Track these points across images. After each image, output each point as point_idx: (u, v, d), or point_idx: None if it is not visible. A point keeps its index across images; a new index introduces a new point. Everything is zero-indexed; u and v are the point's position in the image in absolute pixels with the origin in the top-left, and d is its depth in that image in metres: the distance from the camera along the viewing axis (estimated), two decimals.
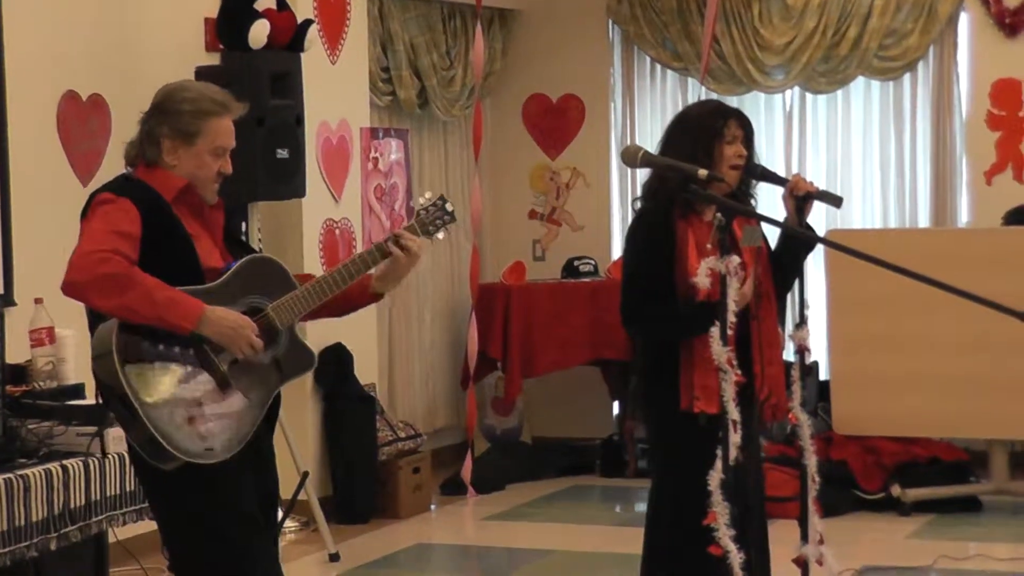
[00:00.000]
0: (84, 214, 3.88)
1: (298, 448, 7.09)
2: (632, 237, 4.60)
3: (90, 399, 4.89)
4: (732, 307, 4.16)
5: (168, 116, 3.92)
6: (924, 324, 7.44)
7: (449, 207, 4.15)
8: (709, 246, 4.27)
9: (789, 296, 4.73)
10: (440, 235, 4.15)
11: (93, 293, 3.69)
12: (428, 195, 4.17)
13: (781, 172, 4.86)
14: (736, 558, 4.14)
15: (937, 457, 7.95)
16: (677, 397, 4.41)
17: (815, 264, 8.18)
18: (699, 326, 4.25)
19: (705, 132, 4.51)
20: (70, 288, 3.72)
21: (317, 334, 7.62)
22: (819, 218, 8.45)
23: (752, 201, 4.65)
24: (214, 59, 7.17)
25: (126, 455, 4.66)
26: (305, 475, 7.00)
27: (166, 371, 3.75)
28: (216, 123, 3.94)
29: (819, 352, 8.17)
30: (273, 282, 3.96)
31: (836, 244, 4.61)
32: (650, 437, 4.80)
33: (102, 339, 3.74)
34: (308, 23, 7.15)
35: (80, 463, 4.55)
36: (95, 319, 3.82)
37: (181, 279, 3.79)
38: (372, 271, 4.10)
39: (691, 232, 4.44)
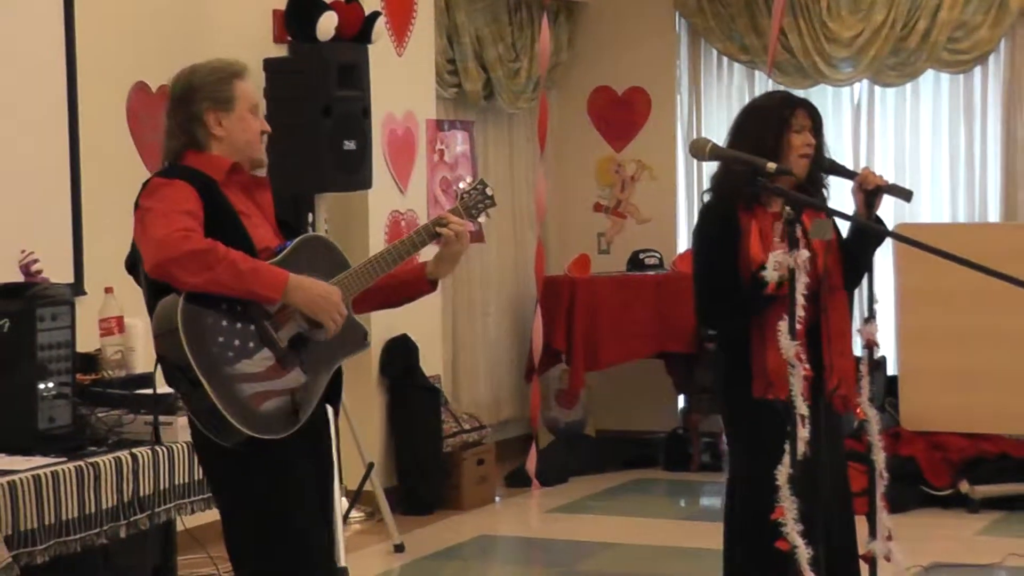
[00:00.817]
0: (137, 204, 3.92)
1: (363, 439, 7.11)
2: (698, 234, 4.62)
3: (160, 388, 4.93)
4: (800, 300, 4.15)
5: (201, 92, 3.98)
6: (993, 319, 7.37)
7: (489, 191, 4.17)
8: (777, 239, 4.25)
9: (857, 291, 4.70)
10: (482, 219, 4.20)
11: (183, 270, 3.73)
12: (469, 179, 4.22)
13: (849, 166, 4.82)
14: (804, 553, 4.13)
15: (1006, 453, 7.87)
16: (751, 387, 4.41)
17: (883, 258, 8.14)
18: (763, 301, 4.26)
19: (773, 121, 4.52)
20: (159, 268, 3.75)
21: (382, 326, 7.68)
22: (888, 212, 8.38)
23: (824, 192, 4.63)
24: (282, 51, 7.20)
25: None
26: (370, 466, 7.03)
27: (230, 347, 3.78)
28: (243, 83, 4.03)
29: (887, 347, 8.12)
30: (326, 261, 4.01)
31: (905, 238, 4.58)
32: (726, 429, 4.78)
33: (166, 316, 3.77)
34: (375, 15, 7.17)
35: (149, 451, 4.59)
36: (153, 298, 3.85)
37: None
38: (426, 261, 4.14)
39: (755, 222, 4.44)
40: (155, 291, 3.84)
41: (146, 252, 3.79)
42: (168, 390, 4.79)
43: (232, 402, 3.74)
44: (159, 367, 3.92)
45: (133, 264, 3.98)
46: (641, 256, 9.35)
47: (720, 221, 4.49)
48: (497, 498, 8.29)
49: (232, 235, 3.86)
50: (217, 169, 3.95)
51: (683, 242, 9.62)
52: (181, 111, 4.00)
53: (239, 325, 3.80)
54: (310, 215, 6.95)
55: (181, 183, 3.87)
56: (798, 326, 4.15)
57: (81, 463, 4.35)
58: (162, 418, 4.66)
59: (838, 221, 4.51)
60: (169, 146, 4.04)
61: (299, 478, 3.94)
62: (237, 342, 3.79)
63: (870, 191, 4.47)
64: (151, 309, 3.87)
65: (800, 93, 8.83)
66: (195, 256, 3.72)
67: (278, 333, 3.85)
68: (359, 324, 4.03)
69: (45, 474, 4.22)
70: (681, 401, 9.38)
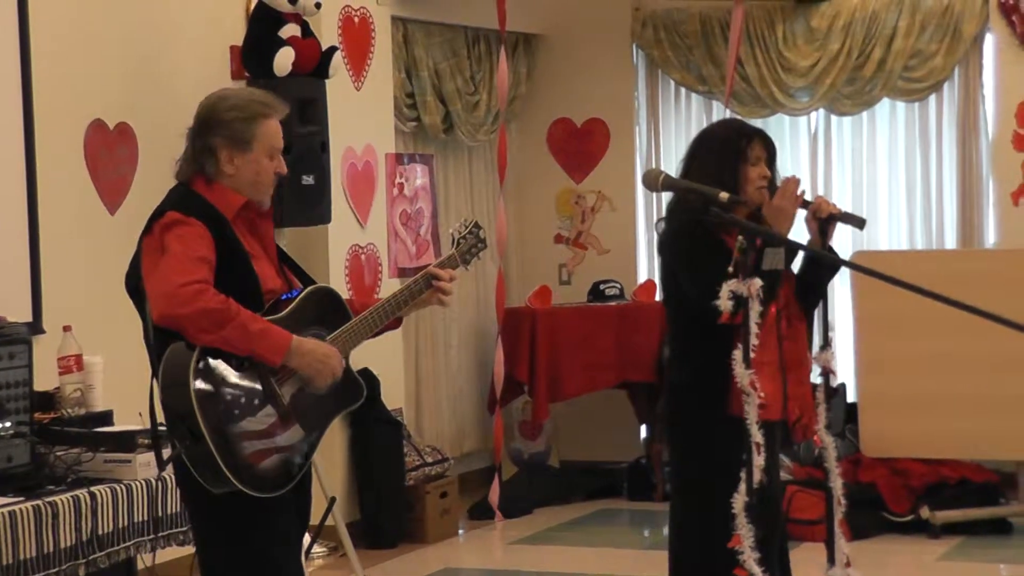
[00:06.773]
0: (149, 229, 3.86)
1: (325, 473, 7.09)
2: (674, 241, 4.55)
3: (118, 426, 4.92)
4: (755, 330, 4.17)
5: (219, 126, 3.90)
6: (952, 345, 7.42)
7: (482, 234, 4.21)
8: (731, 269, 4.26)
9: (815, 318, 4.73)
10: (474, 263, 4.23)
11: (192, 327, 3.70)
12: (461, 221, 4.24)
13: (807, 195, 4.84)
14: None
15: (966, 479, 7.91)
16: (722, 406, 4.40)
17: (841, 285, 8.18)
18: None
19: (729, 153, 4.52)
20: (168, 319, 3.72)
21: None
22: (846, 240, 8.45)
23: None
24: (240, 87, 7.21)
25: (153, 481, 4.68)
26: (332, 500, 6.98)
27: (237, 404, 3.77)
28: (266, 125, 3.94)
29: (847, 374, 8.16)
30: (330, 312, 4.00)
31: (860, 266, 4.61)
32: (685, 450, 4.73)
33: (178, 368, 3.73)
34: (333, 50, 7.19)
35: (108, 489, 4.57)
36: (157, 338, 3.81)
37: (243, 302, 3.80)
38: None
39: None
40: (159, 329, 3.79)
41: (156, 299, 3.75)
42: (127, 427, 4.80)
43: (233, 459, 3.73)
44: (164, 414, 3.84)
45: (136, 288, 3.91)
46: (602, 287, 9.37)
47: (695, 227, 4.43)
48: (461, 531, 8.28)
49: (242, 278, 3.83)
50: (229, 206, 3.90)
51: (643, 272, 9.65)
52: (199, 138, 3.93)
53: (247, 382, 3.79)
54: None
55: (198, 224, 3.81)
56: (752, 355, 4.16)
57: (39, 502, 4.33)
58: (120, 456, 4.64)
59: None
60: (182, 166, 3.97)
61: (282, 508, 3.92)
62: (244, 399, 3.78)
63: (824, 219, 4.50)
64: (158, 346, 3.80)
65: (757, 122, 9.01)
66: (207, 314, 3.69)
67: (281, 389, 3.85)
68: (358, 380, 4.04)
69: (2, 514, 4.21)
70: (644, 431, 9.40)
